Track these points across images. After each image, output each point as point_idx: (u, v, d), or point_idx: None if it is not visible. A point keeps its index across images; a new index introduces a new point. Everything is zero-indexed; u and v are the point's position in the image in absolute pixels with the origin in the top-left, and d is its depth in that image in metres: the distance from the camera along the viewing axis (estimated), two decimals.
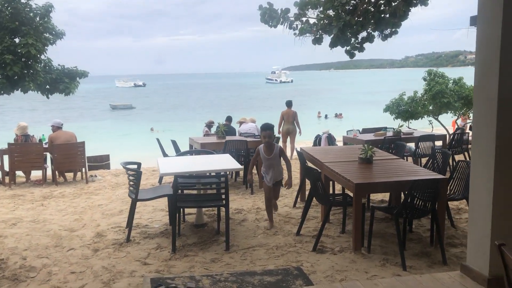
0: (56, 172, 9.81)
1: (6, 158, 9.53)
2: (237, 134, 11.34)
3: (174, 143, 9.44)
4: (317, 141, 12.65)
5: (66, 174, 10.26)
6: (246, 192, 8.13)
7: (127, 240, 5.56)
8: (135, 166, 6.10)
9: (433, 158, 6.71)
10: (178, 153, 7.85)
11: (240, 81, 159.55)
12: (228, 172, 9.35)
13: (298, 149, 7.40)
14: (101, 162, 13.65)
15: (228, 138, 9.07)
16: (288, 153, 12.53)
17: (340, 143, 11.83)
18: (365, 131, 11.44)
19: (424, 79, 14.07)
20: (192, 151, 7.67)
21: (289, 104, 13.13)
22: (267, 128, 6.07)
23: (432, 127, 15.91)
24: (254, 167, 6.78)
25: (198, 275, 4.29)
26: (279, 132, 12.98)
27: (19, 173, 10.31)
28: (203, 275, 4.30)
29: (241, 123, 12.32)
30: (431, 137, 9.48)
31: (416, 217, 5.17)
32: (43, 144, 9.80)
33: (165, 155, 9.26)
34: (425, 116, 14.50)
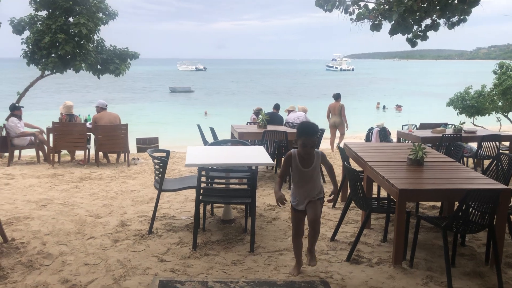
0: (100, 153, 9.79)
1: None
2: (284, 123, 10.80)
3: (212, 130, 9.09)
4: (370, 134, 11.90)
5: (109, 155, 10.22)
6: (284, 186, 7.62)
7: (149, 232, 5.27)
8: (163, 155, 5.78)
9: (498, 161, 5.86)
10: (211, 142, 7.46)
11: (301, 67, 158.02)
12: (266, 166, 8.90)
13: (342, 145, 6.79)
14: (150, 144, 13.67)
15: (269, 128, 8.56)
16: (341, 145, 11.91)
17: (395, 139, 11.03)
18: (423, 126, 10.53)
19: (495, 73, 12.94)
20: (224, 141, 7.23)
21: (336, 97, 12.64)
22: (308, 132, 3.91)
23: (501, 125, 14.62)
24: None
25: (211, 281, 3.87)
26: None
27: (65, 151, 10.41)
28: (216, 281, 3.87)
29: (289, 111, 11.77)
30: (497, 137, 8.47)
31: (469, 232, 4.47)
32: (87, 125, 9.78)
33: (205, 142, 8.93)
34: (493, 113, 13.38)
